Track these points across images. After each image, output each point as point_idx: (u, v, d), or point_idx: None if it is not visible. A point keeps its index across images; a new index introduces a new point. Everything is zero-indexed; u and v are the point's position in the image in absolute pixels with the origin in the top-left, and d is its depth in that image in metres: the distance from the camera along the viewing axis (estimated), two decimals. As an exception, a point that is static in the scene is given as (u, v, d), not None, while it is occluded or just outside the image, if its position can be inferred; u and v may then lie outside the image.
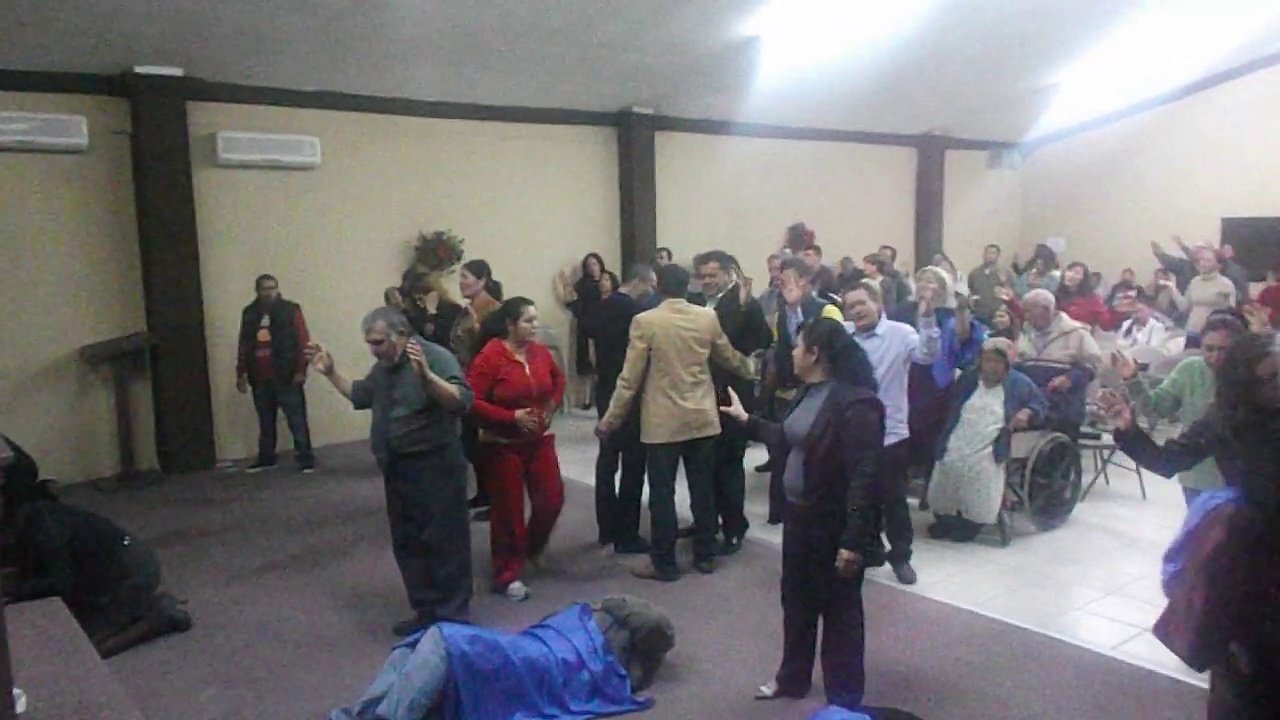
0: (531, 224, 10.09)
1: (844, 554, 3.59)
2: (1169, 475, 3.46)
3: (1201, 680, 3.31)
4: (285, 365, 7.82)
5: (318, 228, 8.76)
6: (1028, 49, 10.12)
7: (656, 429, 5.27)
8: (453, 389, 4.50)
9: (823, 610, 3.87)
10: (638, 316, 5.32)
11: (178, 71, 7.66)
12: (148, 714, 2.81)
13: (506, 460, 5.12)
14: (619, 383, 5.31)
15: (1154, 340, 8.49)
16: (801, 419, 3.78)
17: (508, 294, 8.06)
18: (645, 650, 4.16)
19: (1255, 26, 10.70)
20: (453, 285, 7.61)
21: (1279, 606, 2.68)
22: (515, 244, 9.83)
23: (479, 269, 6.80)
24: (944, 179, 13.74)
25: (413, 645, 3.77)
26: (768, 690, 4.04)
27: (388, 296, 7.91)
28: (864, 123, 12.19)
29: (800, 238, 11.92)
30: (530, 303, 5.20)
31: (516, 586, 5.18)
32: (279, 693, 4.14)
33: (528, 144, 9.98)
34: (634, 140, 10.58)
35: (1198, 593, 2.72)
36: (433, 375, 4.41)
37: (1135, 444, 3.38)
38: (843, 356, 3.76)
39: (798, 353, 3.88)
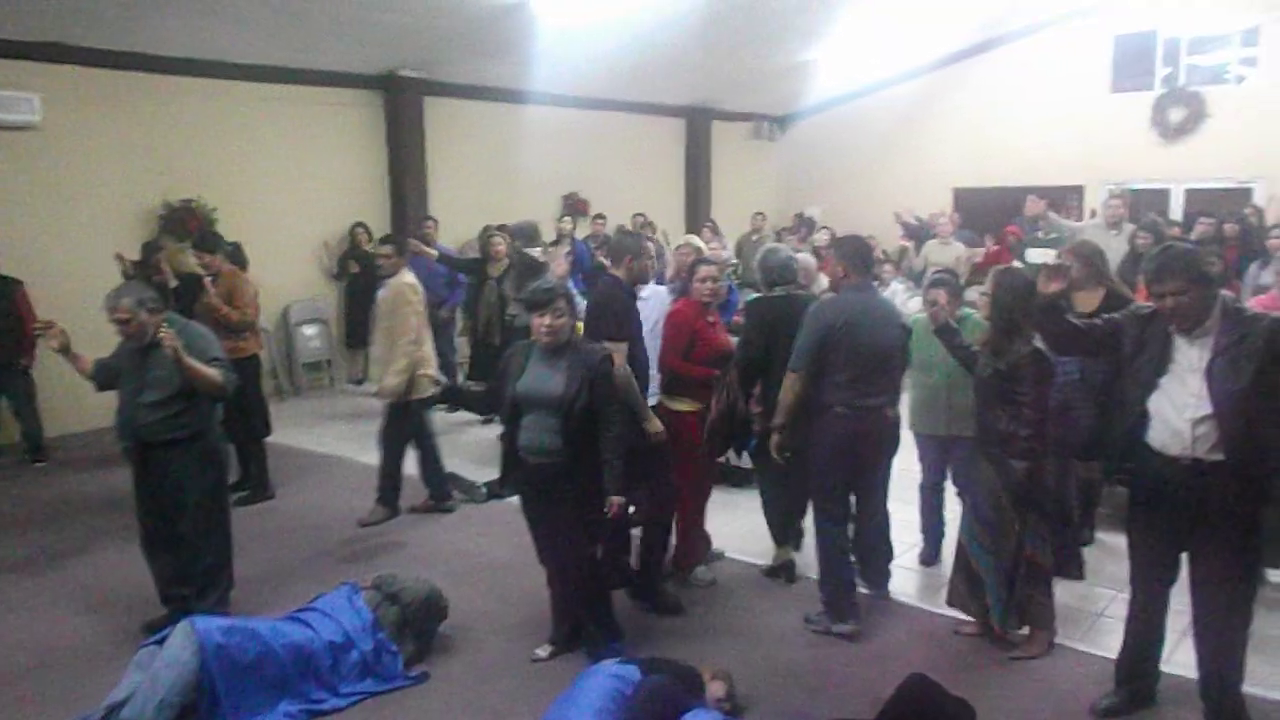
0: (292, 191, 9.55)
1: (614, 500, 3.81)
2: None
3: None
4: (7, 349, 7.02)
5: (42, 195, 7.87)
6: (784, 25, 10.60)
7: None
8: (214, 373, 4.19)
9: (568, 566, 3.99)
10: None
11: None
12: None
13: (693, 429, 4.58)
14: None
15: (896, 300, 9.21)
16: (546, 381, 3.82)
17: (268, 264, 7.62)
18: (418, 624, 4.12)
19: (988, 12, 11.85)
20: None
21: None
22: (275, 212, 9.28)
23: (210, 244, 6.18)
24: (711, 149, 14.25)
25: (161, 642, 3.54)
26: (543, 653, 4.11)
27: (122, 268, 7.03)
28: (635, 93, 12.38)
29: (574, 207, 12.01)
30: (709, 262, 4.82)
31: (704, 570, 4.89)
32: (7, 709, 3.77)
33: (287, 107, 9.42)
34: (402, 105, 10.22)
35: None
36: (190, 360, 4.08)
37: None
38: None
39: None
